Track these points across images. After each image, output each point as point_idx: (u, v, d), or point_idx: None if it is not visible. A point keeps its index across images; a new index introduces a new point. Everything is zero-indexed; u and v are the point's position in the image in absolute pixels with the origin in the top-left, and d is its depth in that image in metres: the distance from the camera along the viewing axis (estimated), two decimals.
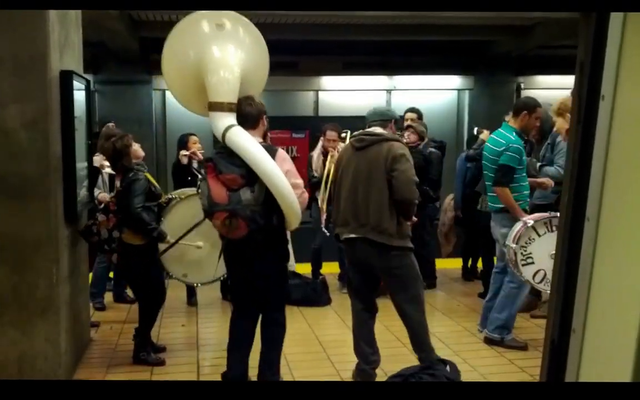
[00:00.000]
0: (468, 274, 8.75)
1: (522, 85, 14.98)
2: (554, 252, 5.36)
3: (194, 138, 7.41)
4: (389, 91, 14.82)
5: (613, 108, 1.45)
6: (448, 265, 8.87)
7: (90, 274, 6.75)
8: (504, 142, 5.94)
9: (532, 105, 6.03)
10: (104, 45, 12.30)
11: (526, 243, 5.58)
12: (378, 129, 5.09)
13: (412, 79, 14.66)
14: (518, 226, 5.70)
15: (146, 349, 5.71)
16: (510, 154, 5.86)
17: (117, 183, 5.59)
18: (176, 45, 4.94)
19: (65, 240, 5.23)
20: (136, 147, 5.66)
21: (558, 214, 5.62)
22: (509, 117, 6.20)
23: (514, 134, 5.94)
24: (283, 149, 5.15)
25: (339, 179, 5.21)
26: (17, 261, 4.78)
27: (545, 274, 5.58)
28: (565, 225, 1.61)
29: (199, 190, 4.94)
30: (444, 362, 5.03)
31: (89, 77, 7.37)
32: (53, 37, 4.94)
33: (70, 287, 5.36)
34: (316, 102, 14.85)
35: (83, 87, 5.82)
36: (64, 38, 5.33)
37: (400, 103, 13.42)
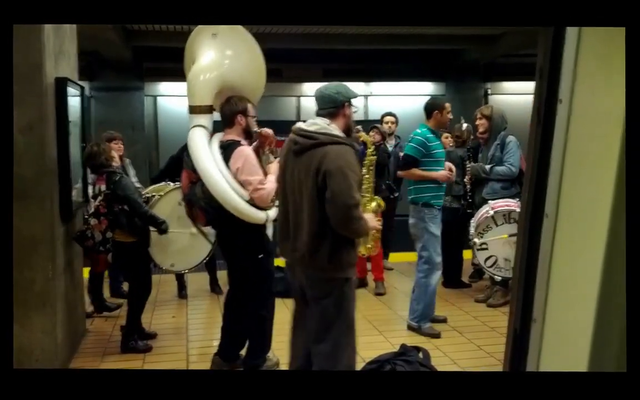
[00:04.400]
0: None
1: (490, 91, 15.08)
2: (505, 236, 5.43)
3: None
4: (366, 97, 14.85)
5: (570, 111, 1.44)
6: None
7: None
8: (411, 135, 6.08)
9: (439, 105, 6.13)
10: (99, 54, 12.25)
11: (484, 230, 5.63)
12: (320, 122, 3.74)
13: (387, 85, 14.73)
14: (483, 210, 5.76)
15: (134, 337, 5.68)
16: (412, 144, 5.97)
17: (103, 187, 5.52)
18: (187, 52, 5.13)
19: (61, 238, 5.17)
20: (113, 154, 5.64)
21: (518, 209, 5.69)
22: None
23: (424, 129, 5.99)
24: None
25: (280, 185, 4.01)
26: (15, 258, 4.71)
27: (496, 260, 5.66)
28: (526, 221, 1.60)
29: None
30: (417, 349, 5.02)
31: (85, 84, 7.30)
32: (48, 46, 4.88)
33: (65, 282, 5.31)
34: (298, 107, 14.89)
35: (77, 93, 5.76)
36: (59, 47, 5.27)
37: (376, 108, 13.46)
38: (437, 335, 5.95)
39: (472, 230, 5.81)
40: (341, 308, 3.77)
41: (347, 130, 3.84)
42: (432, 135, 5.94)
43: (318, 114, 3.82)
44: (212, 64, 4.95)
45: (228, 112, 4.82)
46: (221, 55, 4.99)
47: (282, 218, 3.89)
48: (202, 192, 4.64)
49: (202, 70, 4.93)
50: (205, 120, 4.81)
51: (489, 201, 6.27)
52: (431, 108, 6.06)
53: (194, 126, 4.76)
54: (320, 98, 3.83)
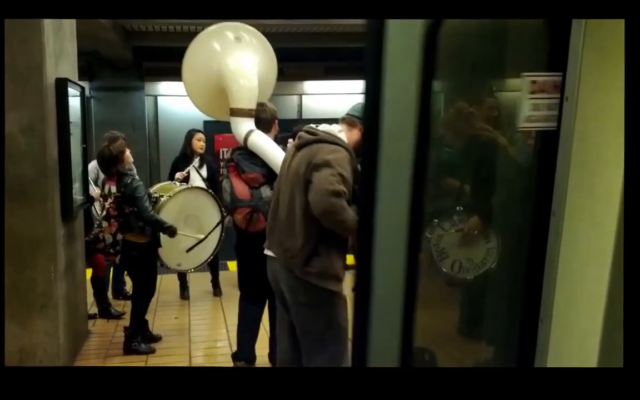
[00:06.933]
0: None
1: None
2: (452, 230, 5.26)
3: (199, 135, 7.22)
4: None
5: (576, 108, 1.44)
6: None
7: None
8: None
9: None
10: (98, 54, 12.23)
11: (437, 240, 5.51)
12: (328, 127, 3.72)
13: None
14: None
15: (137, 339, 5.68)
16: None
17: (113, 188, 5.48)
18: (197, 55, 5.15)
19: (62, 239, 5.17)
20: (127, 153, 5.58)
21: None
22: None
23: None
24: None
25: (278, 180, 3.93)
26: (16, 259, 4.72)
27: (461, 264, 5.52)
28: (533, 219, 1.59)
29: (222, 188, 5.03)
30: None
31: (85, 84, 7.30)
32: (48, 47, 4.88)
33: (67, 282, 5.31)
34: (300, 106, 14.85)
35: (78, 93, 5.76)
36: (59, 48, 5.27)
37: None
38: None
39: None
40: (332, 321, 3.66)
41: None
42: None
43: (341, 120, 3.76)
44: (253, 69, 5.06)
45: (269, 117, 4.92)
46: (255, 60, 5.13)
47: (272, 210, 3.81)
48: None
49: (243, 75, 5.04)
50: (253, 124, 4.89)
51: None
52: None
53: (251, 131, 4.80)
54: (353, 107, 3.79)
